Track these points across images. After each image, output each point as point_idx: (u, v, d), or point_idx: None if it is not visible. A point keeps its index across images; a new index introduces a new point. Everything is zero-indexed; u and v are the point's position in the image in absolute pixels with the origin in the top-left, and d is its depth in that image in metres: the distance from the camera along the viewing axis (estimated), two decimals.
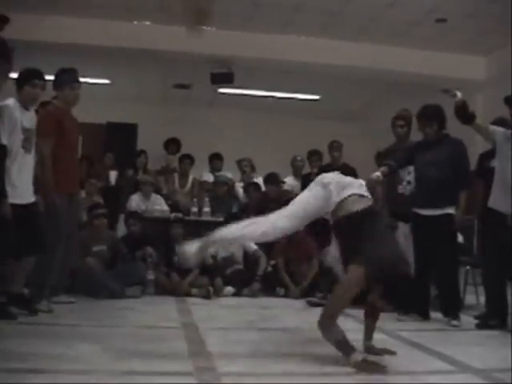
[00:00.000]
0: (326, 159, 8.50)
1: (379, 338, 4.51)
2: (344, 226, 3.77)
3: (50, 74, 5.34)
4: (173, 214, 7.70)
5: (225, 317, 5.58)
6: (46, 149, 5.24)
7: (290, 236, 6.98)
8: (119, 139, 11.08)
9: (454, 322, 5.23)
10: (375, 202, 3.96)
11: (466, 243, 6.65)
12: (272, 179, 8.29)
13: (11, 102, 4.88)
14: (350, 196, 3.81)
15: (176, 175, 9.26)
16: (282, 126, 12.60)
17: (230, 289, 6.94)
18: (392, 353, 3.73)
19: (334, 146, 8.15)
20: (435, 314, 5.51)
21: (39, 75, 5.06)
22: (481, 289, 6.08)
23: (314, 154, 9.01)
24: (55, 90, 5.53)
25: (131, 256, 6.90)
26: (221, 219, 7.69)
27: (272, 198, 8.03)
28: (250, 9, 8.60)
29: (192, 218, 8.15)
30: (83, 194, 7.40)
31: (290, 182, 8.83)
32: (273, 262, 7.32)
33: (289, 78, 10.68)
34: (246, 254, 7.34)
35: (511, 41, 8.12)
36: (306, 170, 9.09)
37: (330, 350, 3.65)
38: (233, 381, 3.20)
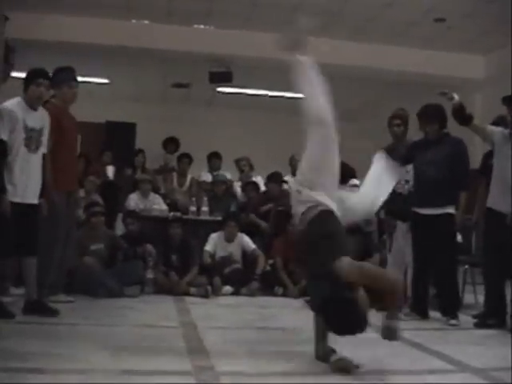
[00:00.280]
0: None
1: (378, 338, 4.52)
2: None
3: (49, 72, 5.33)
4: (171, 213, 7.70)
5: (223, 316, 5.58)
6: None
7: (288, 235, 7.05)
8: (118, 138, 11.09)
9: (453, 322, 5.23)
10: None
11: (465, 242, 6.66)
12: (275, 177, 8.29)
13: (14, 101, 4.90)
14: None
15: (174, 174, 9.26)
16: (280, 124, 12.57)
17: (228, 288, 6.94)
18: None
19: None
20: (434, 314, 5.51)
21: (44, 74, 5.07)
22: (479, 288, 6.09)
23: None
24: (53, 88, 5.53)
25: (132, 252, 6.88)
26: (219, 218, 7.70)
27: (274, 197, 8.04)
28: (249, 8, 8.61)
29: (190, 217, 8.16)
30: (82, 192, 7.40)
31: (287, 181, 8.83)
32: (271, 261, 7.32)
33: (287, 77, 10.66)
34: (245, 253, 7.34)
35: (511, 40, 8.12)
36: None
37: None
38: (231, 380, 3.20)
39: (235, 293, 6.89)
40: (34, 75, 5.01)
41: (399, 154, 5.78)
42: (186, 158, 9.20)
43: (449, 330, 5.10)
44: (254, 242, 7.42)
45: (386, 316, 3.50)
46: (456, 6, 8.15)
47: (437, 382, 3.35)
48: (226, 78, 9.75)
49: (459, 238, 6.27)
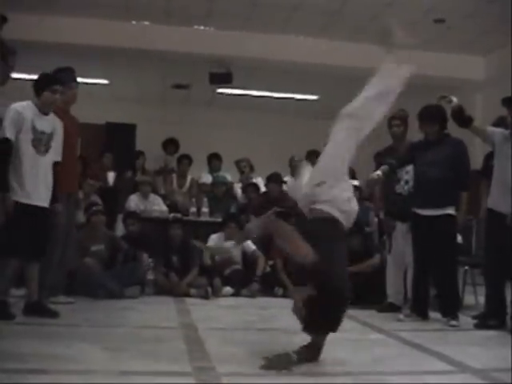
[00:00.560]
0: None
1: (379, 338, 4.52)
2: None
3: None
4: (171, 215, 7.71)
5: (223, 317, 5.58)
6: None
7: None
8: (118, 139, 11.07)
9: (453, 322, 5.23)
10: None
11: (465, 243, 6.66)
12: (275, 178, 8.29)
13: (24, 103, 4.91)
14: None
15: (174, 175, 9.26)
16: (280, 126, 12.60)
17: (228, 289, 6.93)
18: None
19: None
20: (434, 314, 5.51)
21: (59, 81, 5.08)
22: (479, 289, 6.08)
23: (312, 154, 9.00)
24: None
25: (132, 253, 6.87)
26: (219, 219, 7.70)
27: (274, 197, 8.04)
28: (249, 9, 8.60)
29: (191, 218, 8.16)
30: (80, 194, 7.39)
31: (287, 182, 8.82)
32: (271, 263, 7.32)
33: (287, 78, 10.67)
34: (245, 255, 7.34)
35: (511, 41, 8.12)
36: None
37: (329, 350, 3.65)
38: (231, 381, 3.20)
39: (235, 294, 6.88)
40: (49, 81, 5.01)
41: (400, 154, 5.79)
42: (186, 159, 9.21)
43: (449, 330, 5.09)
44: (254, 243, 7.42)
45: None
46: (456, 7, 8.15)
47: (437, 382, 3.34)
48: (226, 79, 9.75)
49: (459, 238, 6.27)
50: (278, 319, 5.57)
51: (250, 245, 7.33)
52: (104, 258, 6.65)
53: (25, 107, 4.87)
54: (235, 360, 3.62)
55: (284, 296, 6.91)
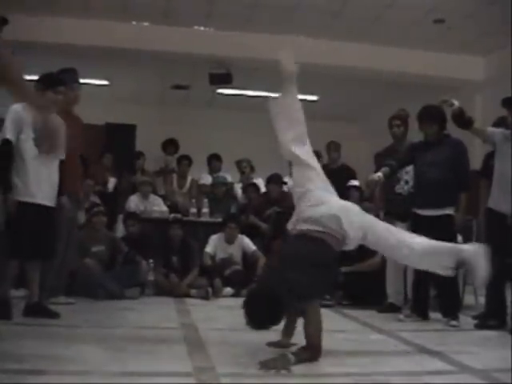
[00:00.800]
0: (326, 160, 8.50)
1: (379, 339, 4.52)
2: None
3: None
4: (171, 215, 7.71)
5: (224, 317, 5.58)
6: None
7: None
8: (118, 140, 11.06)
9: (453, 323, 5.23)
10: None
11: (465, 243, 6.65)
12: (275, 179, 8.29)
13: (24, 104, 4.88)
14: None
15: (174, 176, 9.26)
16: None
17: (228, 289, 6.94)
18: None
19: (332, 147, 8.15)
20: (434, 315, 5.51)
21: (62, 82, 5.07)
22: (479, 289, 6.08)
23: None
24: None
25: (132, 255, 6.87)
26: (219, 220, 7.70)
27: (274, 198, 8.04)
28: (249, 9, 8.60)
29: (191, 218, 8.17)
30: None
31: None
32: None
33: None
34: (245, 255, 7.34)
35: (511, 41, 8.12)
36: None
37: (329, 350, 3.65)
38: (232, 381, 3.19)
39: (236, 294, 6.88)
40: (53, 82, 5.01)
41: (400, 155, 5.79)
42: (186, 160, 9.21)
43: (449, 331, 5.09)
44: (255, 243, 7.43)
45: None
46: (456, 7, 8.15)
47: (437, 382, 3.34)
48: (225, 80, 9.75)
49: (459, 239, 6.26)
50: None
51: (250, 245, 7.33)
52: (104, 259, 6.66)
53: (25, 107, 4.86)
54: (235, 360, 3.62)
55: None
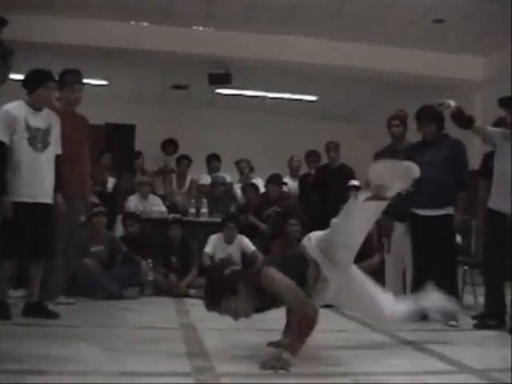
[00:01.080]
0: (325, 160, 8.50)
1: (379, 338, 4.51)
2: None
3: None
4: (171, 215, 7.70)
5: (222, 317, 5.55)
6: None
7: (286, 237, 7.04)
8: (117, 140, 11.06)
9: (453, 322, 5.21)
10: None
11: (464, 243, 6.66)
12: (275, 179, 8.29)
13: (14, 103, 4.87)
14: None
15: (174, 176, 9.26)
16: (280, 126, 12.59)
17: None
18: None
19: (331, 147, 8.15)
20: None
21: (52, 77, 5.02)
22: (479, 289, 6.08)
23: (311, 155, 9.02)
24: (58, 91, 5.51)
25: (131, 255, 6.86)
26: (218, 220, 7.70)
27: (274, 198, 8.04)
28: (248, 9, 8.60)
29: (190, 218, 8.16)
30: None
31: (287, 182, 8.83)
32: None
33: (287, 78, 10.68)
34: (244, 255, 7.33)
35: (510, 41, 8.12)
36: (304, 170, 9.09)
37: (329, 350, 3.65)
38: (231, 381, 3.19)
39: None
40: (43, 78, 4.93)
41: (398, 155, 5.78)
42: (185, 160, 9.21)
43: (448, 330, 5.08)
44: (254, 243, 7.42)
45: (286, 345, 3.53)
46: (456, 7, 8.15)
47: (437, 382, 3.34)
48: (225, 80, 9.76)
49: (459, 238, 6.27)
50: (278, 320, 5.56)
51: (249, 245, 7.33)
52: (103, 259, 6.65)
53: (16, 107, 4.84)
54: (234, 360, 3.62)
55: None
